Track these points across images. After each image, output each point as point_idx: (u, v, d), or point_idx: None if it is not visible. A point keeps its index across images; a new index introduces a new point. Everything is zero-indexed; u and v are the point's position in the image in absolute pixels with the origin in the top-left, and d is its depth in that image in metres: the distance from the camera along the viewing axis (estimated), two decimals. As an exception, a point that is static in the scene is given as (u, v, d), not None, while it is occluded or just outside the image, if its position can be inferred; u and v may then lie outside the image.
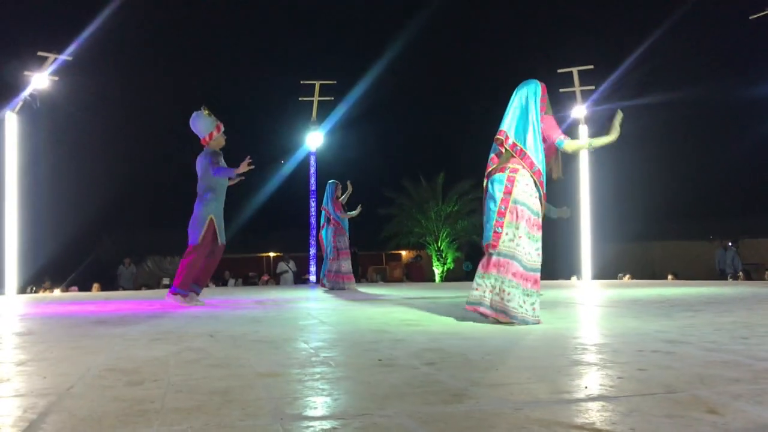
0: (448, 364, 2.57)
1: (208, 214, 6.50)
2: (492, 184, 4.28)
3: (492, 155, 4.40)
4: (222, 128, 6.75)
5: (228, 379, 2.32)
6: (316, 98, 16.08)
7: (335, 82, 16.26)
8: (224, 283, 16.63)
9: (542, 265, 4.26)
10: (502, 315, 4.03)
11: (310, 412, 1.83)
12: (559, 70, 14.76)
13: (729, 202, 20.11)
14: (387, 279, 21.84)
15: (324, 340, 3.59)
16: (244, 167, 6.46)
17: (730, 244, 16.12)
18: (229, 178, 6.76)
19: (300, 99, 16.22)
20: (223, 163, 6.67)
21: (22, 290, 12.26)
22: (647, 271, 16.67)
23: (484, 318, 4.16)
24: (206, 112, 6.70)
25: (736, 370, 2.31)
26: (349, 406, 1.90)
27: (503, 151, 4.32)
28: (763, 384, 2.08)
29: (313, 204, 15.93)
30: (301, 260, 16.97)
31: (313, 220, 15.98)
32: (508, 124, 4.35)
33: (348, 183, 10.42)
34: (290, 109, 17.32)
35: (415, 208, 22.08)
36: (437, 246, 21.84)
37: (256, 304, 6.87)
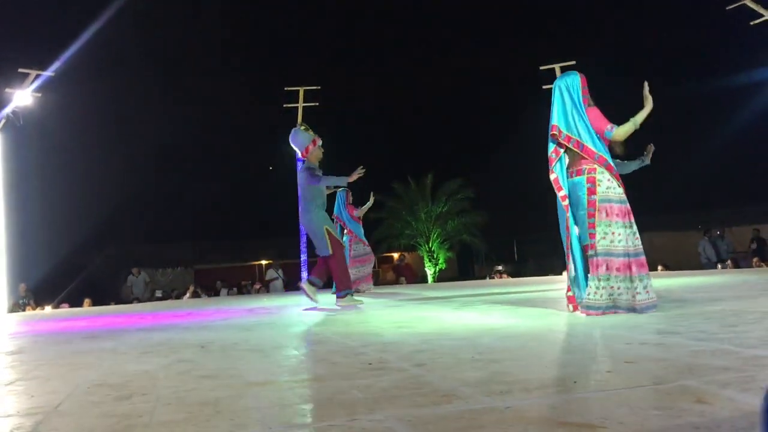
0: (438, 365, 2.56)
1: (323, 226, 6.75)
2: (575, 187, 4.37)
3: (552, 148, 4.49)
4: (319, 142, 7.04)
5: (218, 390, 2.31)
6: (300, 104, 16.07)
7: (319, 87, 16.26)
8: (216, 293, 16.57)
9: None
10: (612, 310, 4.14)
11: (298, 420, 1.82)
12: (542, 67, 14.83)
13: (716, 192, 20.24)
14: (378, 282, 21.84)
15: (315, 346, 3.59)
16: (355, 176, 6.90)
17: (717, 233, 16.22)
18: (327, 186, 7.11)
19: (284, 106, 16.21)
20: (319, 172, 6.92)
21: (12, 309, 12.16)
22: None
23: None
24: (303, 127, 7.03)
25: (725, 359, 2.32)
26: (339, 412, 1.89)
27: (563, 145, 4.41)
28: (751, 371, 2.09)
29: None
30: (293, 267, 16.94)
31: (303, 226, 15.95)
32: (557, 117, 4.44)
33: (371, 194, 10.36)
34: (275, 116, 17.31)
35: (404, 210, 22.09)
36: (428, 247, 21.85)
37: (247, 312, 6.84)
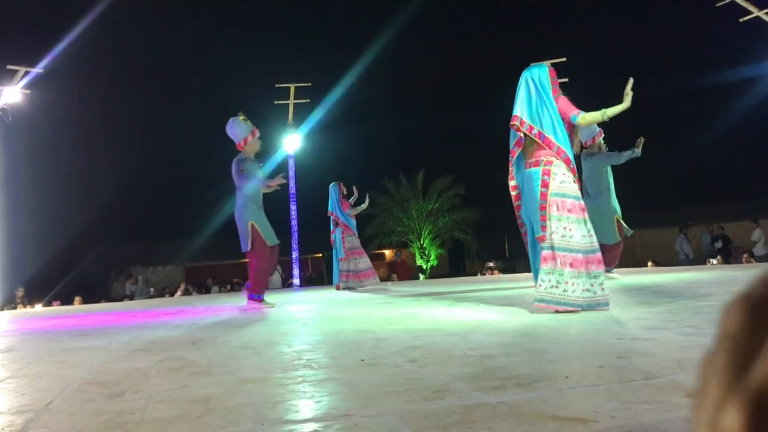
0: (431, 361, 2.57)
1: (248, 222, 6.67)
2: (530, 178, 4.32)
3: (513, 141, 4.49)
4: (257, 134, 6.95)
5: (210, 387, 2.30)
6: (291, 101, 16.03)
7: (310, 84, 16.23)
8: (207, 291, 16.53)
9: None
10: (562, 307, 4.04)
11: (291, 416, 1.82)
12: (532, 65, 14.85)
13: (705, 188, 20.35)
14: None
15: (307, 342, 3.59)
16: (276, 182, 6.76)
17: (707, 230, 16.34)
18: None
19: (275, 102, 16.16)
20: (250, 169, 6.74)
21: (2, 307, 12.09)
22: (628, 259, 16.80)
23: (547, 312, 4.12)
24: (242, 117, 6.88)
25: (714, 353, 2.33)
26: (332, 408, 1.90)
27: (522, 136, 4.40)
28: (741, 365, 2.10)
29: (293, 208, 15.88)
30: (285, 264, 16.93)
31: (294, 223, 15.93)
32: (520, 108, 4.42)
33: (354, 188, 10.32)
34: (265, 113, 17.27)
35: (396, 206, 22.10)
36: (420, 243, 21.89)
37: (238, 310, 6.83)
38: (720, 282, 6.34)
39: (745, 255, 12.85)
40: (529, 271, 4.85)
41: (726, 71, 15.45)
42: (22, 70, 11.78)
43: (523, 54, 16.02)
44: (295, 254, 16.08)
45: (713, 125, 18.71)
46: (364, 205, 10.24)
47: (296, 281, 15.89)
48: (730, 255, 14.42)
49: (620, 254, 8.13)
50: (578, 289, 4.03)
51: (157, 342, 3.93)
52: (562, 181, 4.21)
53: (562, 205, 4.16)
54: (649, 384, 1.91)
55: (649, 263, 13.68)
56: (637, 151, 7.57)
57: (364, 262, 9.86)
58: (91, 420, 1.89)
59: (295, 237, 15.99)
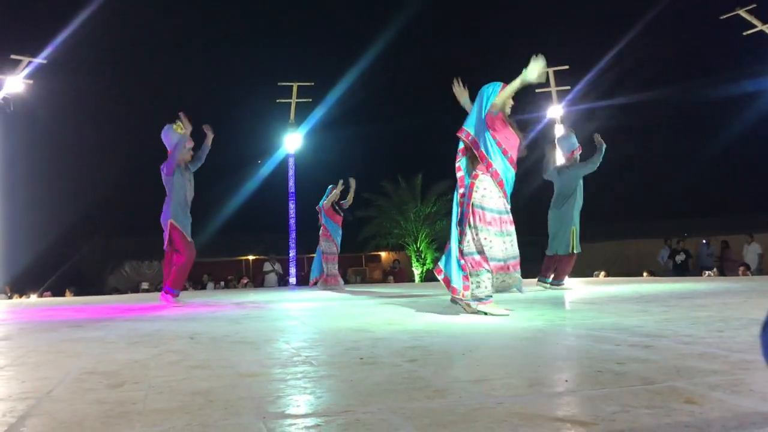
0: (431, 361, 2.58)
1: (167, 219, 6.95)
2: (467, 188, 4.63)
3: (459, 149, 4.79)
4: (190, 144, 7.07)
5: (209, 380, 2.31)
6: (293, 100, 16.05)
7: (313, 83, 16.25)
8: (203, 287, 16.52)
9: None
10: (476, 302, 4.48)
11: (292, 410, 1.83)
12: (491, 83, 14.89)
13: (703, 201, 20.38)
14: (366, 280, 21.85)
15: (305, 340, 3.59)
16: (209, 134, 7.05)
17: (704, 241, 16.38)
18: (199, 159, 7.18)
19: (277, 101, 16.18)
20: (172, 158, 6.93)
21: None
22: (623, 268, 16.83)
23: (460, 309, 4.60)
24: (176, 126, 7.01)
25: (713, 362, 2.35)
26: (332, 404, 1.91)
27: (466, 145, 4.71)
28: (739, 374, 2.12)
29: (292, 206, 15.89)
30: (282, 263, 16.93)
31: (292, 222, 15.94)
32: (468, 122, 4.76)
33: (351, 180, 10.45)
34: (267, 111, 17.28)
35: (394, 209, 22.10)
36: (416, 247, 21.89)
37: (235, 306, 6.83)
38: (715, 293, 6.36)
39: (741, 268, 12.88)
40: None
41: (730, 84, 15.50)
42: (25, 60, 11.78)
43: (527, 59, 16.03)
44: (292, 253, 16.08)
45: (718, 137, 18.75)
46: (352, 188, 10.44)
47: (293, 280, 15.88)
48: (688, 269, 14.64)
49: (572, 267, 8.20)
50: (489, 286, 4.50)
51: (155, 335, 3.94)
52: (483, 195, 4.55)
53: (482, 216, 4.51)
54: (649, 389, 1.93)
55: (645, 273, 13.72)
56: (601, 147, 7.85)
57: (333, 267, 10.12)
58: (92, 409, 1.90)
59: (293, 236, 15.99)
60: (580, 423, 1.58)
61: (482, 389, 2.02)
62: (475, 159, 4.66)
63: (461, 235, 4.56)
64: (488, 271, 4.47)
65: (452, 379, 2.20)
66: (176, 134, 6.88)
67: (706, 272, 13.29)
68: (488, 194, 4.54)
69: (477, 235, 4.47)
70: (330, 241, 10.10)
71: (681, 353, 2.58)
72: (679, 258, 15.16)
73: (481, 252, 4.47)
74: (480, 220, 4.47)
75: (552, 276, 8.11)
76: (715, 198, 20.50)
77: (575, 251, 7.98)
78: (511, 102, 4.80)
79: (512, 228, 4.59)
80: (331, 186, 10.23)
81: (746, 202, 18.82)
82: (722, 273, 13.80)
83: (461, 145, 4.78)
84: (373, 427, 1.61)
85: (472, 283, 4.50)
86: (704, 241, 16.45)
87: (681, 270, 14.56)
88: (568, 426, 1.56)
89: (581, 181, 7.98)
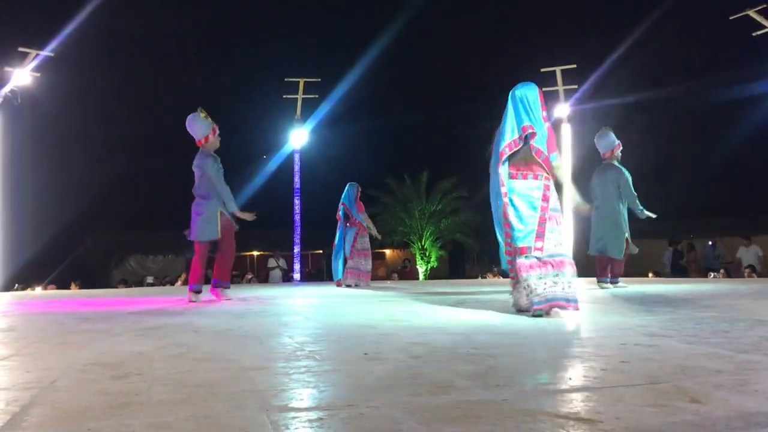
0: (434, 358, 2.58)
1: (217, 209, 6.65)
2: (524, 188, 4.43)
3: (507, 143, 4.47)
4: (217, 131, 6.84)
5: (213, 373, 2.31)
6: (300, 96, 16.05)
7: (320, 79, 16.24)
8: (207, 281, 16.53)
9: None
10: (573, 304, 4.30)
11: (296, 404, 1.83)
12: (542, 69, 14.86)
13: (711, 201, 20.27)
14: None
15: (309, 335, 3.59)
16: (245, 216, 6.86)
17: (710, 243, 16.33)
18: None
19: (284, 96, 16.18)
20: (221, 172, 6.72)
21: (7, 288, 12.12)
22: (629, 268, 16.76)
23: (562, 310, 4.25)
24: (203, 114, 6.77)
25: (718, 362, 2.34)
26: (336, 398, 1.91)
27: (521, 144, 4.43)
28: (744, 375, 2.11)
29: (297, 202, 15.89)
30: (286, 259, 16.93)
31: (297, 218, 15.94)
32: (527, 119, 4.44)
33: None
34: (274, 107, 17.28)
35: (399, 206, 22.06)
36: (421, 245, 21.85)
37: (239, 300, 6.84)
38: (721, 294, 6.34)
39: (746, 269, 12.84)
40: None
41: (738, 86, 15.41)
42: (33, 52, 11.80)
43: (534, 58, 16.01)
44: (297, 249, 16.08)
45: (728, 138, 18.65)
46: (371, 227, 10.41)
47: (297, 276, 15.90)
48: (681, 269, 14.59)
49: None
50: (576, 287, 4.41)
51: (159, 328, 3.94)
52: (557, 198, 4.49)
53: (559, 219, 4.42)
54: (654, 388, 1.92)
55: (650, 274, 13.69)
56: (643, 214, 7.93)
57: (368, 264, 10.06)
58: (96, 399, 1.90)
59: (297, 231, 16.00)
60: (585, 421, 1.57)
61: (486, 386, 2.02)
62: (526, 158, 4.45)
63: (538, 240, 4.33)
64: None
65: (456, 375, 2.19)
66: (205, 122, 6.72)
67: (712, 274, 13.24)
68: (558, 198, 4.53)
69: (555, 238, 4.36)
70: (366, 236, 10.13)
71: (686, 353, 2.57)
72: (683, 261, 15.14)
73: (562, 255, 4.37)
74: (557, 223, 4.41)
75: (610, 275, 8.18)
76: (724, 199, 20.39)
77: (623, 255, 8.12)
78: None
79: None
80: (350, 184, 10.15)
81: (760, 204, 18.67)
82: (684, 275, 13.87)
83: (509, 141, 4.46)
84: (376, 422, 1.61)
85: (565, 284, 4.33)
86: (710, 243, 16.39)
87: (681, 272, 14.50)
88: (572, 423, 1.55)
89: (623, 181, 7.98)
